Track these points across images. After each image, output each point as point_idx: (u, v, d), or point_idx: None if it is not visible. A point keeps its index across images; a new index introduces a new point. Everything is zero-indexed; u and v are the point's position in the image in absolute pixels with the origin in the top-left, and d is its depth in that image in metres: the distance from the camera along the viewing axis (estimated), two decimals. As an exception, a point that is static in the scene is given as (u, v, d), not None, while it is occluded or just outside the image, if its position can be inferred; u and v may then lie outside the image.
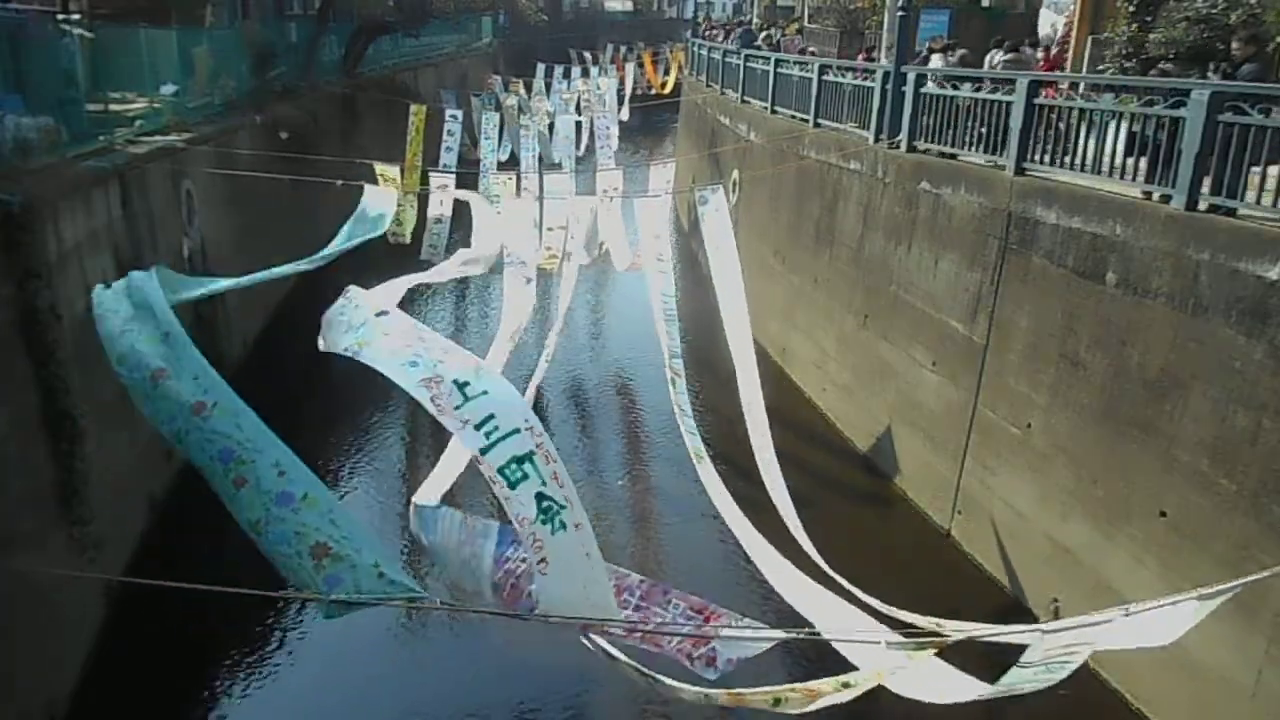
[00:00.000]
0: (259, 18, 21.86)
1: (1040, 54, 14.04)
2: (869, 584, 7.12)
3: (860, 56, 18.92)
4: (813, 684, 5.35)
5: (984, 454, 9.79)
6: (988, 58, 13.77)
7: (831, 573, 7.52)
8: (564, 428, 13.47)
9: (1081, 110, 9.12)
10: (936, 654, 4.78)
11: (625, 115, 33.83)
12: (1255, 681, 6.53)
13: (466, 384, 4.88)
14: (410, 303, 18.27)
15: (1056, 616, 8.08)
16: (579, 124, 26.17)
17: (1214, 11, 10.97)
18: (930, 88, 11.23)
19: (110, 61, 11.53)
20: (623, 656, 5.84)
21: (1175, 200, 7.59)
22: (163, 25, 14.45)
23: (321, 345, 5.69)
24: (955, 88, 10.80)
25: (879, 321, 12.06)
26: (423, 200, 15.99)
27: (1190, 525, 7.17)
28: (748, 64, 18.97)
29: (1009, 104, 9.60)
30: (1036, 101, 9.33)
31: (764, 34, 26.18)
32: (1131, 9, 12.50)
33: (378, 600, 5.72)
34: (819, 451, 12.58)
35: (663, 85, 40.87)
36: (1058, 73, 13.61)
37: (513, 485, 4.85)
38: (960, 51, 14.02)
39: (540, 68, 38.34)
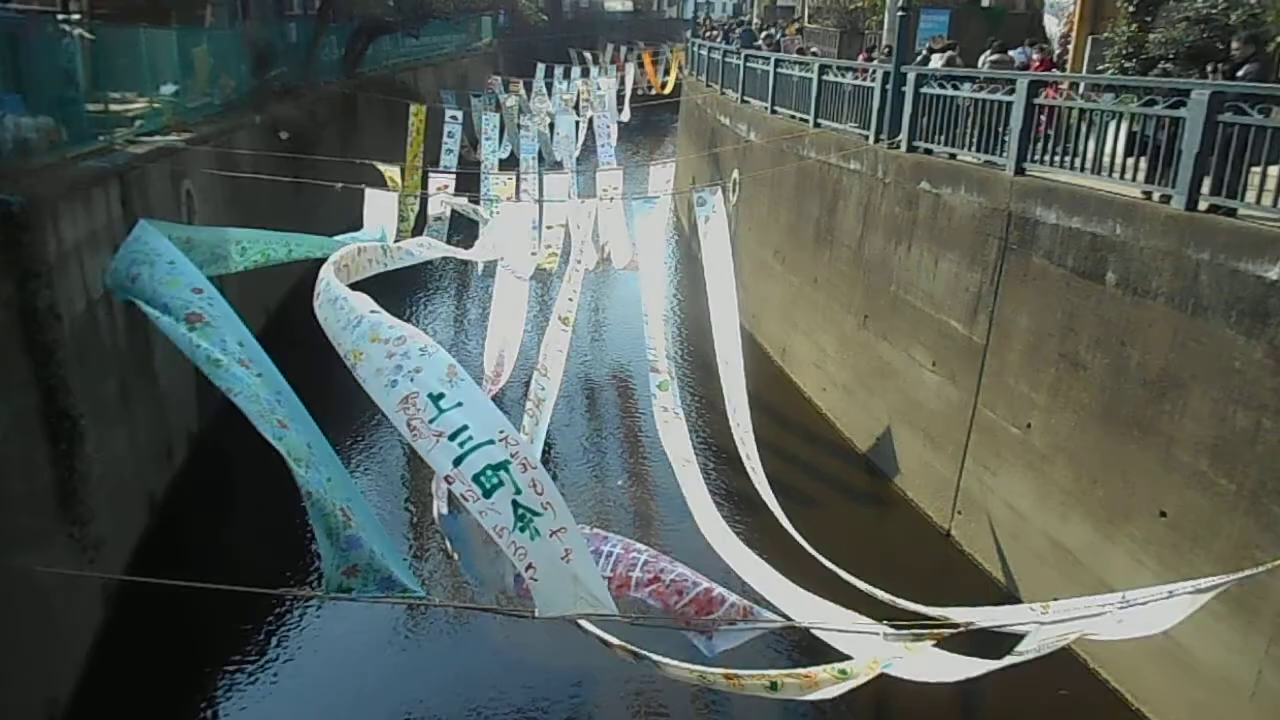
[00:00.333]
0: (259, 18, 21.86)
1: (1036, 54, 14.01)
2: (869, 584, 7.10)
3: (860, 56, 18.92)
4: (809, 670, 5.40)
5: (984, 454, 9.79)
6: (981, 59, 13.77)
7: (814, 552, 7.57)
8: (563, 429, 13.44)
9: (1082, 110, 9.12)
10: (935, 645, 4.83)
11: (625, 116, 33.82)
12: (1255, 681, 6.53)
13: (441, 396, 4.93)
14: (410, 303, 18.41)
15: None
16: (578, 124, 26.20)
17: (1214, 12, 10.96)
18: (930, 88, 11.24)
19: (110, 61, 11.51)
20: (617, 641, 5.92)
21: (1175, 200, 7.60)
22: (162, 25, 14.45)
23: (318, 311, 5.71)
24: (955, 88, 10.82)
25: (879, 321, 12.06)
26: (423, 200, 16.08)
27: (1190, 525, 7.17)
28: (747, 64, 18.94)
29: (1009, 104, 9.61)
30: (1036, 101, 9.34)
31: (764, 34, 26.20)
32: (1131, 9, 12.49)
33: (377, 599, 5.77)
34: (819, 451, 12.58)
35: (663, 85, 40.94)
36: (1057, 73, 13.62)
37: (488, 493, 4.87)
38: (949, 53, 14.02)
39: (540, 68, 38.31)
